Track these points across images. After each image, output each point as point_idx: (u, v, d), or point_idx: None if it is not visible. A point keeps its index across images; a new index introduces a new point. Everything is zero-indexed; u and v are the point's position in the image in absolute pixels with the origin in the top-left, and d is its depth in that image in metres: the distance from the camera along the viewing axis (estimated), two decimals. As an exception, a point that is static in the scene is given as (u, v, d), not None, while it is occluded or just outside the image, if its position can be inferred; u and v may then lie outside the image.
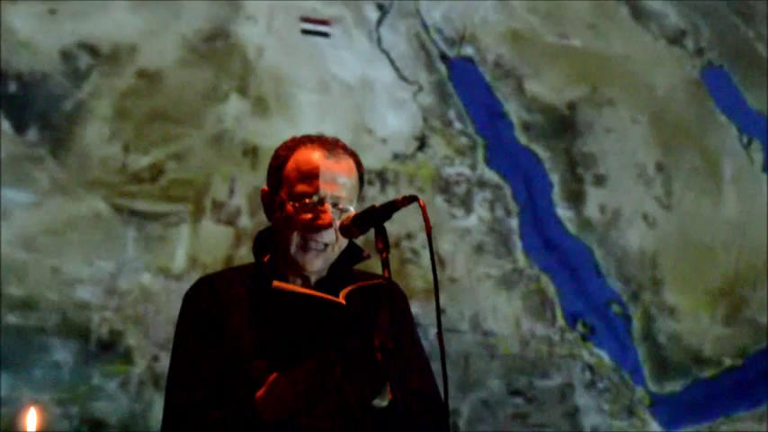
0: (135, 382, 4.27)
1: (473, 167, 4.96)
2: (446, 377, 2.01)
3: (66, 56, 4.34)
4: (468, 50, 5.04)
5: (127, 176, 4.37)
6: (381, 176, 4.72)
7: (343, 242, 2.27)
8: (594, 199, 5.17)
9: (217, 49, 4.54)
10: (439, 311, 2.04)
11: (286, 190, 2.26)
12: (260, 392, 2.09)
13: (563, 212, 5.12)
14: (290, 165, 2.27)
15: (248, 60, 4.61)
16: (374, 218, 2.10)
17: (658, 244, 5.21)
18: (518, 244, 5.00)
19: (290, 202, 2.25)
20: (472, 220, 4.92)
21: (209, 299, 2.26)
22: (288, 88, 4.64)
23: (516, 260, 5.00)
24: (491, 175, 5.01)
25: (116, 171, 4.36)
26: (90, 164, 4.32)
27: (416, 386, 2.22)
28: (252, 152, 4.53)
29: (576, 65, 5.20)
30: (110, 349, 4.25)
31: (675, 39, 5.38)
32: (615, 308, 5.14)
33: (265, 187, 2.33)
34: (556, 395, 4.96)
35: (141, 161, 4.38)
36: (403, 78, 4.88)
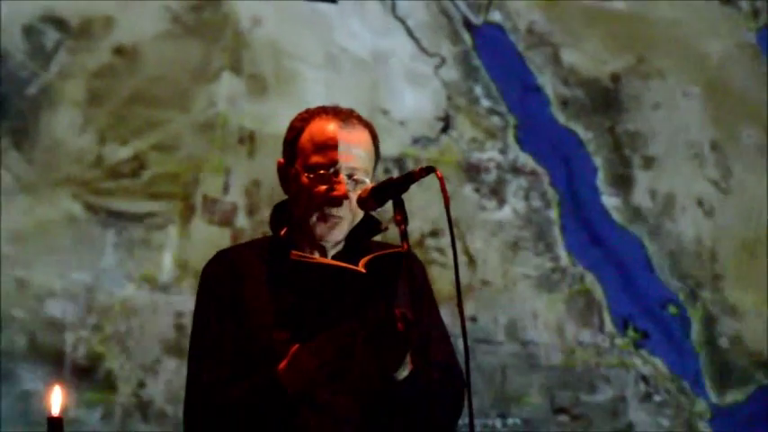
0: (119, 413, 4.05)
1: (504, 151, 4.73)
2: (467, 349, 2.07)
3: (30, 31, 4.15)
4: (495, 16, 4.80)
5: (103, 171, 4.18)
6: (400, 164, 4.50)
7: (360, 214, 2.34)
8: (644, 184, 4.93)
9: (205, 20, 4.35)
10: (459, 284, 2.10)
11: (301, 162, 2.34)
12: (282, 364, 2.16)
13: (609, 200, 4.87)
14: (305, 136, 2.35)
15: (242, 33, 4.40)
16: (392, 190, 2.17)
17: (717, 234, 4.96)
18: (559, 239, 4.76)
19: (305, 174, 2.32)
20: (505, 213, 4.70)
21: (227, 272, 2.34)
22: (289, 64, 4.43)
23: (557, 257, 4.76)
24: (525, 160, 4.76)
25: (90, 165, 4.17)
26: (60, 157, 4.13)
27: (436, 357, 2.29)
28: (249, 139, 4.32)
29: (619, 31, 4.98)
30: (88, 375, 4.04)
31: (729, -1, 5.22)
32: (671, 309, 4.88)
33: (281, 159, 2.41)
34: (606, 411, 4.69)
35: (120, 153, 4.19)
36: (422, 50, 4.67)
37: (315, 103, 4.06)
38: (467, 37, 4.77)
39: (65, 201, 4.10)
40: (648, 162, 4.95)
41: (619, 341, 4.77)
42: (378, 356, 2.13)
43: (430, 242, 4.43)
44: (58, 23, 4.16)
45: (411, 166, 4.46)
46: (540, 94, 4.85)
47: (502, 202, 4.70)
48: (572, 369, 4.67)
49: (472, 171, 4.68)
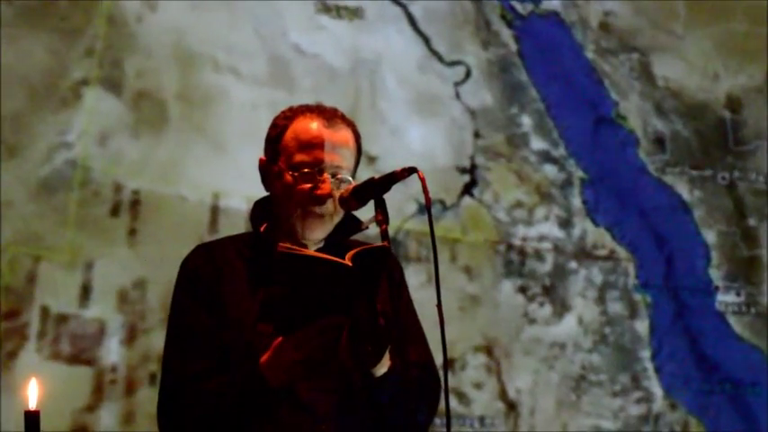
0: None
1: (566, 223, 3.96)
2: (445, 348, 2.22)
3: None
4: (553, 4, 4.06)
5: None
6: (394, 244, 3.71)
7: (341, 213, 2.55)
8: (780, 274, 4.27)
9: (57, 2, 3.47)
10: (438, 275, 2.19)
11: (284, 160, 2.54)
12: (264, 357, 2.31)
13: (726, 300, 4.10)
14: (289, 134, 2.55)
15: (124, 22, 3.58)
16: (373, 190, 2.36)
17: None
18: (651, 368, 3.88)
19: (289, 172, 2.52)
20: (568, 326, 3.83)
21: (207, 266, 2.51)
22: (206, 76, 3.53)
23: (650, 397, 3.90)
24: (599, 237, 3.98)
25: None
26: None
27: (412, 355, 2.46)
28: (130, 207, 3.38)
29: (739, 31, 4.31)
30: None
31: None
32: (829, 473, 4.18)
33: (263, 156, 2.60)
34: None
35: None
36: (433, 54, 3.96)
37: (250, 145, 3.37)
38: (506, 35, 4.06)
39: None
40: (787, 238, 4.25)
41: None
42: (357, 352, 2.24)
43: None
44: None
45: (413, 249, 3.64)
46: (620, 128, 4.14)
47: (562, 308, 3.87)
48: None
49: (514, 257, 3.87)
